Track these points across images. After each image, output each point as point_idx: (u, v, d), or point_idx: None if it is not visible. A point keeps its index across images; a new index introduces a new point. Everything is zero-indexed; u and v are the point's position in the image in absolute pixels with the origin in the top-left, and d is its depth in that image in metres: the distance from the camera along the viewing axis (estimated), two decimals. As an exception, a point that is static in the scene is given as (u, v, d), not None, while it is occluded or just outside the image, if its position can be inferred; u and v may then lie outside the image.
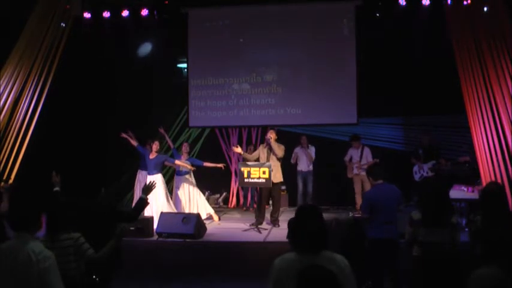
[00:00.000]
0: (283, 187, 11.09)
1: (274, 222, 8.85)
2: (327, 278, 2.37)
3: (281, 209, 10.45)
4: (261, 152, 8.87)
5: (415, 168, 9.42)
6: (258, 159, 8.79)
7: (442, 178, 9.08)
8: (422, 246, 4.62)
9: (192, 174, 9.43)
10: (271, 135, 8.76)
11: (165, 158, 9.14)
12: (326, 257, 2.76)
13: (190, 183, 9.39)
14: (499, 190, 4.68)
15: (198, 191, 9.43)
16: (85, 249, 3.69)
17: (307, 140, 10.46)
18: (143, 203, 4.81)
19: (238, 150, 8.91)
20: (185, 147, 9.46)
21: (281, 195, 9.56)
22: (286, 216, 9.30)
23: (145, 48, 11.29)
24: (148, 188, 4.82)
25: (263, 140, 9.40)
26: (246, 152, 9.77)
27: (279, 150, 8.70)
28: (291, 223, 3.26)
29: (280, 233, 8.04)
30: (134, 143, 9.00)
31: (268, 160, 8.63)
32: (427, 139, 9.56)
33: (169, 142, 9.81)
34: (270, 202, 9.39)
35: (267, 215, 9.03)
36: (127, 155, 10.18)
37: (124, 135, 9.08)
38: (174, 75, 11.71)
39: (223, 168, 9.53)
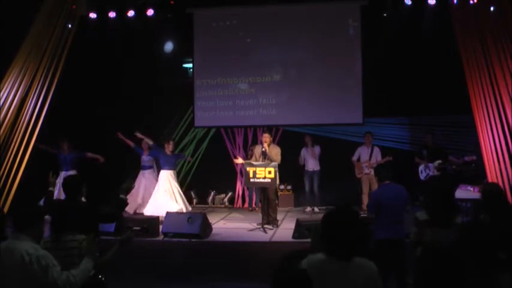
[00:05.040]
0: (289, 187, 11.11)
1: (273, 222, 8.67)
2: (299, 279, 2.32)
3: (286, 209, 10.43)
4: (256, 152, 8.85)
5: (421, 168, 9.38)
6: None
7: (448, 177, 9.04)
8: (426, 246, 4.60)
9: (154, 170, 10.10)
10: (265, 142, 8.59)
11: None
12: (356, 263, 2.73)
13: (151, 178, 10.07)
14: (500, 190, 4.72)
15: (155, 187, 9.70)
16: None
17: (312, 140, 10.44)
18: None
19: (240, 161, 9.08)
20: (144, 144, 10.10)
21: (278, 195, 9.51)
22: (291, 216, 9.29)
23: (168, 46, 11.32)
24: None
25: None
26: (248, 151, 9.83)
27: (276, 156, 8.53)
28: (327, 223, 2.90)
29: (285, 233, 8.03)
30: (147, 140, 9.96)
31: (262, 160, 8.59)
32: (431, 139, 9.53)
33: (147, 140, 10.02)
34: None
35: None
36: (130, 154, 10.19)
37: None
38: (179, 75, 11.71)
39: None
